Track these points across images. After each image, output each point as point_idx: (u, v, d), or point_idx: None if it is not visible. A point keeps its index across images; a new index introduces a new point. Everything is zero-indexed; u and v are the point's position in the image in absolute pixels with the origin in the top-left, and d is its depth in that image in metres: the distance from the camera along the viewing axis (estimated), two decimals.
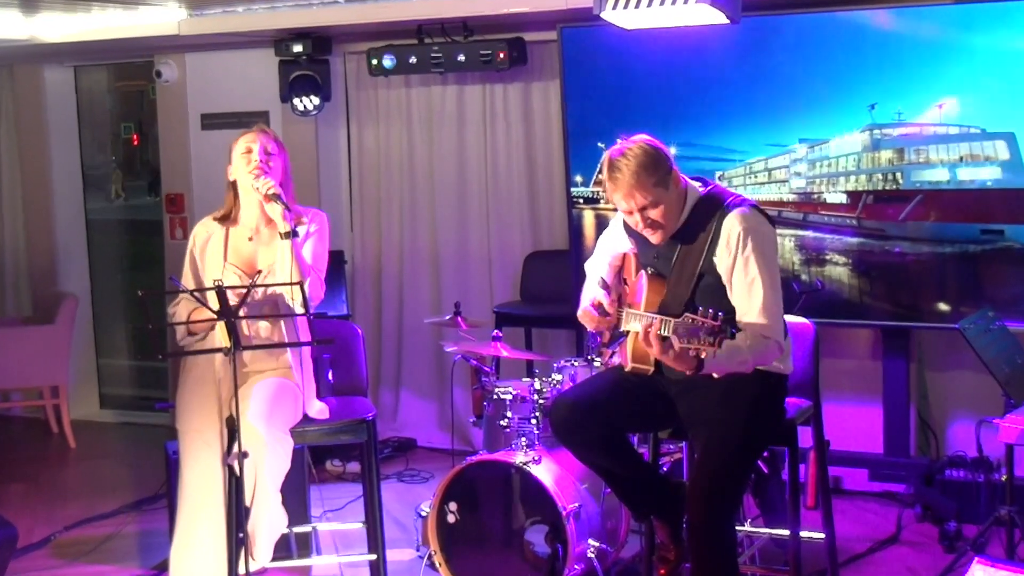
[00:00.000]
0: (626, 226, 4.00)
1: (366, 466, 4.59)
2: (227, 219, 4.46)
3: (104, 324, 8.17)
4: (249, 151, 4.37)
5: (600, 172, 3.83)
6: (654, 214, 3.73)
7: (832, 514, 4.47)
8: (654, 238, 3.81)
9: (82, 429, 7.49)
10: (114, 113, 8.45)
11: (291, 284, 4.19)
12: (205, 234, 4.46)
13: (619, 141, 3.78)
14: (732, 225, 3.70)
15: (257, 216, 4.42)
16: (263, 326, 4.36)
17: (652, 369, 3.91)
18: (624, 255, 4.17)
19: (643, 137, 3.78)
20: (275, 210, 4.26)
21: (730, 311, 3.67)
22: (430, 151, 6.90)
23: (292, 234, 4.25)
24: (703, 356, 3.49)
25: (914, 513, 5.38)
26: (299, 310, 4.23)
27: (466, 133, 6.79)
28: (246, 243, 4.43)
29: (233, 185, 4.45)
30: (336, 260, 6.73)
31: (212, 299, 4.03)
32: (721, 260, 3.72)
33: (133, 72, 8.14)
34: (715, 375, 3.64)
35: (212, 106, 7.26)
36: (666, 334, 3.52)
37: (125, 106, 8.50)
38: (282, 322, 4.36)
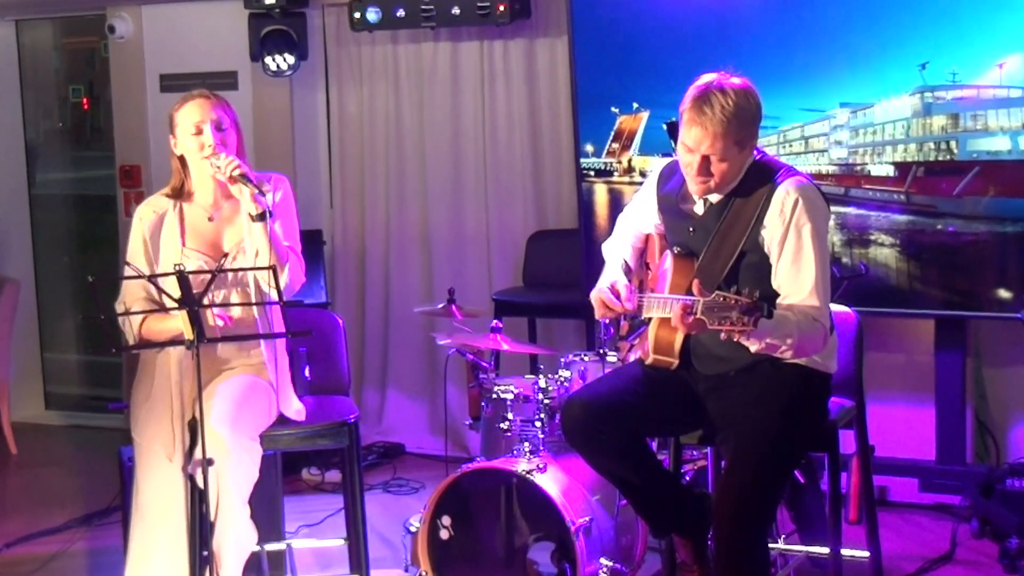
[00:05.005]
0: (659, 200, 4.03)
1: (348, 475, 4.59)
2: (179, 195, 4.43)
3: (49, 314, 8.16)
4: (199, 131, 4.32)
5: (681, 105, 3.76)
6: (716, 168, 3.74)
7: (877, 529, 4.47)
8: (697, 188, 3.82)
9: (24, 433, 7.47)
10: (61, 74, 8.43)
11: (266, 268, 4.17)
12: (153, 215, 4.40)
13: (718, 73, 3.77)
14: (786, 193, 3.73)
15: (213, 191, 4.40)
16: (233, 314, 4.34)
17: (677, 362, 3.92)
18: (647, 236, 4.19)
19: (747, 82, 3.78)
20: (243, 193, 4.22)
21: (771, 297, 3.67)
22: (420, 117, 6.88)
23: (266, 215, 4.22)
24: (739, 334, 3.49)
25: (970, 528, 5.37)
26: (276, 295, 4.22)
27: (461, 97, 6.78)
28: (206, 223, 4.41)
29: (180, 158, 4.42)
30: (314, 241, 6.72)
31: (172, 287, 4.00)
32: (771, 230, 3.73)
33: (83, 27, 8.11)
34: (752, 348, 3.63)
35: (173, 66, 7.23)
36: (697, 315, 3.51)
37: (74, 66, 8.48)
38: (255, 310, 4.34)
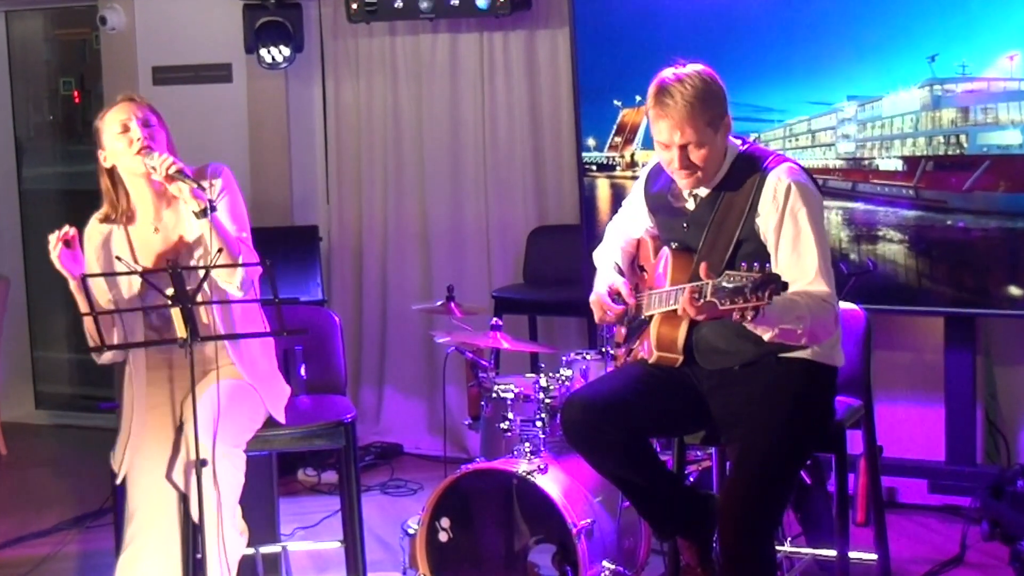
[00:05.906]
0: (649, 201, 4.03)
1: (344, 476, 4.59)
2: (117, 217, 4.39)
3: (40, 312, 8.16)
4: (126, 129, 4.28)
5: (646, 99, 3.79)
6: (695, 156, 3.74)
7: (885, 531, 4.48)
8: (685, 183, 3.83)
9: (14, 433, 7.48)
10: (52, 66, 8.41)
11: (260, 264, 4.16)
12: (99, 236, 4.40)
13: (674, 66, 3.79)
14: (778, 179, 3.74)
15: (152, 202, 4.36)
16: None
17: (681, 359, 3.90)
18: (639, 241, 4.21)
19: (702, 67, 3.79)
20: (183, 189, 4.16)
21: None
22: (418, 111, 6.88)
23: (209, 210, 4.15)
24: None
25: (980, 530, 5.35)
26: (236, 292, 4.20)
27: (460, 90, 6.77)
28: (152, 235, 4.37)
29: (110, 173, 4.38)
30: (310, 237, 6.72)
31: (131, 284, 3.99)
32: (766, 218, 3.73)
33: (74, 18, 8.11)
34: (766, 336, 3.61)
35: (166, 58, 7.23)
36: (708, 298, 3.47)
37: (65, 58, 8.47)
38: (215, 309, 4.31)
